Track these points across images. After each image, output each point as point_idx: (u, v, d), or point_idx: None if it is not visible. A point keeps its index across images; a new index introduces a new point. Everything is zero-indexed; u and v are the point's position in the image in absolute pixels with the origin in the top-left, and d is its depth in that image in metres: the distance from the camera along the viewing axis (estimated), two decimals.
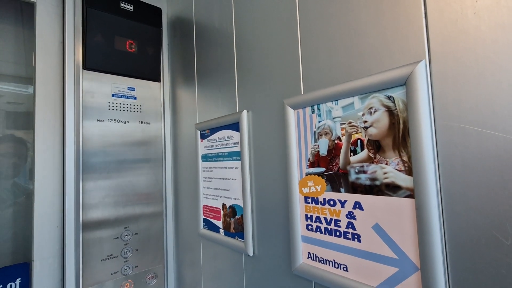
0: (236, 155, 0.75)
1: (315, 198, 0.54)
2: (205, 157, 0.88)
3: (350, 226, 0.49)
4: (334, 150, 0.51)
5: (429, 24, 0.40)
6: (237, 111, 0.75)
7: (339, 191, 0.50)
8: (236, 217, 0.75)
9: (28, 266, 0.83)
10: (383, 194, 0.44)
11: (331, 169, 0.51)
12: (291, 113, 0.59)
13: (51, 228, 0.86)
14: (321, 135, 0.53)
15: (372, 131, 0.45)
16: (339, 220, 0.50)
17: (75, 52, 0.89)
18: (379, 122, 0.44)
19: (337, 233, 0.51)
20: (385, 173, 0.44)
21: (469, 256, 0.36)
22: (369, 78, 0.45)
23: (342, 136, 0.50)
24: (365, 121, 0.46)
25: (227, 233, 0.78)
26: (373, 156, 0.45)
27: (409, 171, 0.41)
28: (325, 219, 0.53)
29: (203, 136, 0.89)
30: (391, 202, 0.43)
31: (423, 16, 0.40)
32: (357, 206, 0.47)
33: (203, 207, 0.89)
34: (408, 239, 0.41)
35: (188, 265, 0.99)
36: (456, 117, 0.37)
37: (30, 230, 0.84)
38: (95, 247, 0.86)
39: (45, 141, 0.87)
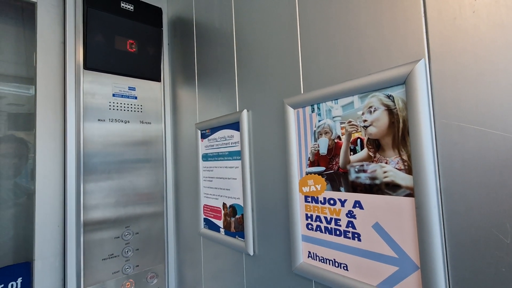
0: (237, 155, 0.75)
1: (315, 197, 0.54)
2: (206, 157, 0.88)
3: (350, 225, 0.49)
4: (334, 149, 0.51)
5: (428, 23, 0.40)
6: (237, 110, 0.75)
7: (339, 190, 0.50)
8: (237, 216, 0.75)
9: (30, 266, 0.83)
10: (383, 193, 0.44)
11: (331, 168, 0.52)
12: (291, 113, 0.59)
13: (52, 228, 0.87)
14: (321, 134, 0.53)
15: (372, 130, 0.45)
16: (339, 219, 0.50)
17: (75, 52, 0.89)
18: (379, 121, 0.44)
19: (337, 232, 0.51)
20: (385, 172, 0.44)
21: (469, 255, 0.36)
22: (369, 77, 0.45)
23: (342, 135, 0.50)
24: (365, 120, 0.46)
25: (228, 232, 0.78)
26: (373, 155, 0.45)
27: (408, 170, 0.41)
28: (325, 218, 0.53)
29: (203, 136, 0.89)
30: (391, 201, 0.43)
31: (422, 15, 0.40)
32: (357, 205, 0.48)
33: (204, 207, 0.89)
34: (408, 238, 0.41)
35: (189, 264, 0.99)
36: (455, 116, 0.37)
37: (31, 229, 0.84)
38: (96, 246, 0.86)
39: (46, 140, 0.87)
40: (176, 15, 1.08)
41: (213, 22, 0.86)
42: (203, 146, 0.89)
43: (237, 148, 0.74)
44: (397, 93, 0.42)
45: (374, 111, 0.45)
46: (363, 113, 0.47)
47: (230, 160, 0.77)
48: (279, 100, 0.63)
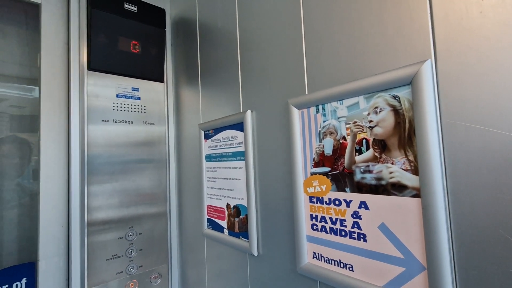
0: (240, 155, 0.75)
1: (320, 197, 0.54)
2: (209, 157, 0.88)
3: (355, 226, 0.49)
4: (339, 149, 0.51)
5: (435, 23, 0.40)
6: (241, 111, 0.75)
7: (344, 191, 0.50)
8: (241, 217, 0.75)
9: (34, 266, 0.84)
10: (389, 193, 0.44)
11: (336, 168, 0.52)
12: (295, 113, 0.59)
13: (56, 228, 0.87)
14: (326, 134, 0.53)
15: (377, 130, 0.45)
16: (345, 220, 0.50)
17: (80, 53, 0.89)
18: (385, 121, 0.44)
19: (343, 233, 0.51)
20: (391, 173, 0.44)
21: (476, 255, 0.36)
22: (375, 78, 0.45)
23: (347, 135, 0.50)
24: (371, 121, 0.46)
25: (232, 233, 0.78)
26: (378, 156, 0.45)
27: (415, 171, 0.41)
28: (330, 218, 0.53)
29: (207, 136, 0.89)
30: (397, 202, 0.43)
31: (429, 15, 0.40)
32: (363, 206, 0.47)
33: (207, 207, 0.89)
34: (414, 239, 0.41)
35: (192, 265, 0.99)
36: (462, 116, 0.37)
37: (36, 230, 0.85)
38: (100, 246, 0.87)
39: (50, 141, 0.88)
40: (179, 15, 1.08)
41: (216, 22, 0.86)
42: (206, 147, 0.89)
43: (241, 149, 0.74)
44: (403, 93, 0.42)
45: (380, 111, 0.45)
46: (368, 114, 0.47)
47: (234, 160, 0.77)
48: (283, 100, 0.63)
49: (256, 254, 0.70)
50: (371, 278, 0.46)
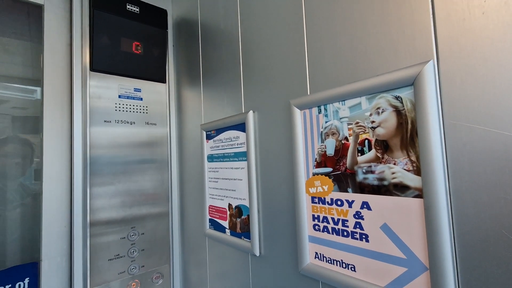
0: (242, 156, 0.75)
1: (322, 198, 0.55)
2: (211, 158, 0.88)
3: (358, 226, 0.49)
4: (341, 150, 0.51)
5: (437, 24, 0.40)
6: (243, 111, 0.75)
7: (347, 191, 0.50)
8: (242, 217, 0.75)
9: (37, 266, 0.84)
10: (391, 194, 0.44)
11: (338, 169, 0.52)
12: (297, 114, 0.59)
13: (59, 228, 0.87)
14: (328, 135, 0.54)
15: (379, 131, 0.45)
16: (347, 220, 0.50)
17: (82, 54, 0.90)
18: (387, 122, 0.44)
19: (345, 233, 0.51)
20: (393, 173, 0.44)
21: (479, 256, 0.36)
22: (377, 78, 0.45)
23: (349, 136, 0.50)
24: (373, 121, 0.46)
25: (233, 233, 0.78)
26: (381, 156, 0.45)
27: (417, 171, 0.41)
28: (333, 219, 0.53)
29: (208, 137, 0.90)
30: (400, 202, 0.43)
31: (431, 16, 0.40)
32: (365, 206, 0.48)
33: (209, 207, 0.89)
34: (416, 239, 0.41)
35: (194, 265, 0.99)
36: (464, 117, 0.37)
37: (39, 230, 0.85)
38: (102, 246, 0.87)
39: (53, 141, 0.88)
40: (181, 16, 1.08)
41: (218, 23, 0.86)
42: (208, 147, 0.90)
43: (243, 149, 0.75)
44: (406, 94, 0.42)
45: (382, 112, 0.45)
46: (370, 114, 0.47)
47: (235, 161, 0.78)
48: (285, 101, 0.63)
49: (258, 255, 0.70)
50: (373, 278, 0.46)
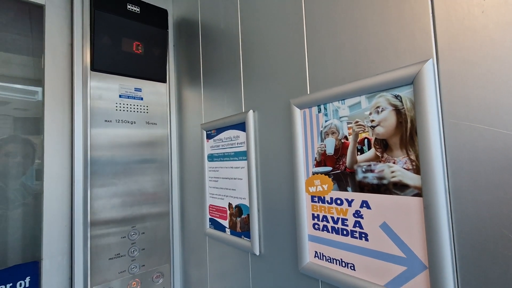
0: (242, 155, 0.75)
1: (322, 197, 0.55)
2: (211, 157, 0.88)
3: (357, 225, 0.49)
4: (341, 149, 0.51)
5: (437, 23, 0.40)
6: (243, 111, 0.75)
7: (346, 190, 0.50)
8: (242, 216, 0.75)
9: (38, 265, 0.84)
10: (390, 193, 0.44)
11: (338, 168, 0.52)
12: (297, 113, 0.59)
13: (59, 227, 0.88)
14: (327, 134, 0.54)
15: (379, 130, 0.46)
16: (346, 219, 0.50)
17: (83, 54, 0.90)
18: (387, 121, 0.45)
19: (344, 232, 0.51)
20: (392, 172, 0.44)
21: (478, 254, 0.36)
22: (376, 78, 0.45)
23: (349, 135, 0.50)
24: (372, 120, 0.46)
25: (233, 232, 0.78)
26: (380, 155, 0.45)
27: (416, 170, 0.41)
28: (332, 218, 0.53)
29: (209, 136, 0.90)
30: (399, 201, 0.43)
31: (431, 15, 0.40)
32: (365, 205, 0.48)
33: (209, 207, 0.89)
34: (416, 238, 0.41)
35: (194, 264, 0.99)
36: (464, 116, 0.37)
37: (39, 229, 0.85)
38: (103, 246, 0.87)
39: (54, 140, 0.88)
40: (182, 16, 1.09)
41: (218, 23, 0.87)
42: (208, 147, 0.90)
43: (243, 149, 0.75)
44: (405, 93, 0.42)
45: (381, 111, 0.45)
46: (370, 113, 0.47)
47: (236, 160, 0.78)
48: (285, 100, 0.63)
49: (258, 254, 0.70)
50: (373, 277, 0.46)
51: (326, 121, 0.54)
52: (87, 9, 0.90)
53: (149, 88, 1.02)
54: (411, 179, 0.42)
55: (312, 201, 0.56)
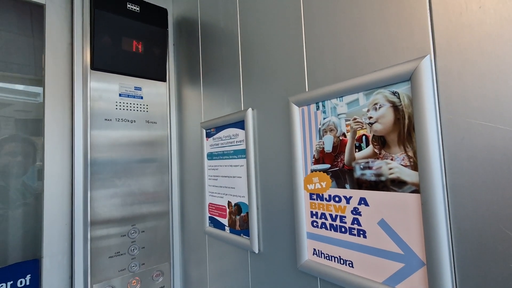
0: (242, 153, 0.75)
1: (320, 194, 0.55)
2: (211, 156, 0.88)
3: (355, 222, 0.49)
4: (339, 146, 0.51)
5: (434, 19, 0.40)
6: (242, 109, 0.75)
7: (344, 187, 0.50)
8: (242, 214, 0.75)
9: (38, 263, 0.85)
10: (388, 189, 0.44)
11: (336, 165, 0.52)
12: (296, 110, 0.59)
13: (60, 226, 0.88)
14: (326, 131, 0.54)
15: (377, 127, 0.45)
16: (344, 216, 0.50)
17: (83, 53, 0.91)
18: (384, 117, 0.44)
19: (343, 229, 0.51)
20: (390, 169, 0.44)
21: (476, 251, 0.36)
22: (374, 74, 0.45)
23: (347, 132, 0.50)
24: (370, 117, 0.46)
25: (233, 230, 0.78)
26: (378, 152, 0.45)
27: (414, 166, 0.41)
28: (330, 215, 0.53)
29: (208, 135, 0.90)
30: (397, 198, 0.43)
31: (428, 11, 0.40)
32: (363, 202, 0.48)
33: (209, 205, 0.90)
34: (414, 235, 0.41)
35: (194, 262, 0.99)
36: (462, 112, 0.37)
37: (40, 227, 0.86)
38: (103, 244, 0.87)
39: (54, 140, 0.89)
40: (181, 15, 1.09)
41: (218, 22, 0.87)
42: (208, 145, 0.90)
43: (242, 147, 0.75)
44: (403, 89, 0.42)
45: (379, 108, 0.45)
46: (368, 110, 0.47)
47: (235, 158, 0.78)
48: (284, 98, 0.63)
49: (257, 252, 0.70)
50: (371, 274, 0.46)
51: (324, 118, 0.54)
52: (87, 9, 0.90)
53: (149, 87, 1.02)
54: (408, 175, 0.42)
55: (311, 198, 0.56)
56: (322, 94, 0.53)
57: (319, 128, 0.55)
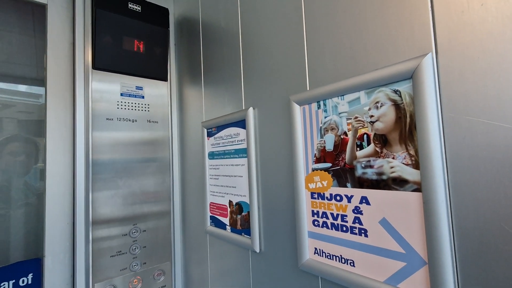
0: (243, 152, 0.75)
1: (322, 193, 0.54)
2: (212, 155, 0.88)
3: (356, 221, 0.49)
4: (340, 145, 0.51)
5: (436, 16, 0.40)
6: (243, 108, 0.75)
7: (346, 186, 0.50)
8: (243, 214, 0.75)
9: (40, 262, 0.85)
10: (390, 188, 0.44)
11: (338, 164, 0.52)
12: (297, 109, 0.59)
13: (62, 225, 0.88)
14: (327, 130, 0.53)
15: (378, 125, 0.45)
16: (346, 215, 0.50)
17: (84, 53, 0.91)
18: (386, 116, 0.44)
19: (344, 228, 0.51)
20: (392, 167, 0.44)
21: (478, 249, 0.36)
22: (375, 73, 0.45)
23: (348, 131, 0.50)
24: (372, 116, 0.46)
25: (234, 230, 0.78)
26: (379, 151, 0.45)
27: (416, 165, 0.41)
28: (332, 214, 0.53)
29: (209, 134, 0.90)
30: (398, 197, 0.43)
31: (429, 9, 0.40)
32: (364, 201, 0.47)
33: (210, 205, 0.90)
34: (415, 233, 0.41)
35: (195, 262, 1.00)
36: (463, 110, 0.37)
37: (42, 227, 0.86)
38: (104, 243, 0.88)
39: (56, 140, 0.89)
40: (183, 15, 1.09)
41: (219, 21, 0.87)
42: (209, 144, 0.90)
43: (243, 146, 0.75)
44: (404, 87, 0.42)
45: (380, 106, 0.45)
46: (369, 109, 0.47)
47: (236, 157, 0.78)
48: (285, 97, 0.63)
49: (258, 251, 0.70)
50: (372, 273, 0.46)
51: (325, 117, 0.54)
52: (88, 8, 0.91)
53: (150, 87, 1.02)
54: (410, 174, 0.41)
55: (312, 197, 0.56)
56: (323, 92, 0.53)
57: (320, 127, 0.55)
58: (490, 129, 0.35)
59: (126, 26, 0.94)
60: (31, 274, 0.83)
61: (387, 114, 0.44)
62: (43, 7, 0.92)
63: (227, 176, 0.81)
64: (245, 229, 0.74)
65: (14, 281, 0.81)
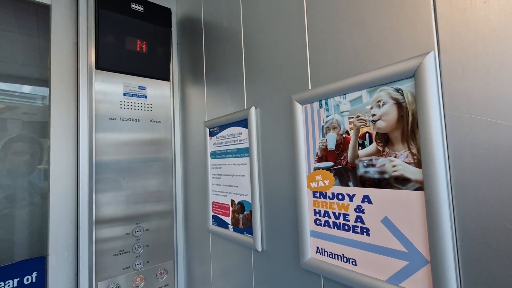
0: (245, 152, 0.75)
1: (324, 192, 0.54)
2: (214, 154, 0.89)
3: (358, 220, 0.48)
4: (342, 144, 0.51)
5: (438, 14, 0.39)
6: (245, 108, 0.76)
7: (348, 185, 0.50)
8: (245, 213, 0.75)
9: (44, 260, 0.86)
10: (392, 187, 0.44)
11: (340, 163, 0.52)
12: (299, 109, 0.59)
13: (65, 224, 0.89)
14: (329, 129, 0.53)
15: (380, 124, 0.45)
16: (348, 214, 0.50)
17: (88, 53, 0.91)
18: (388, 115, 0.44)
19: (346, 227, 0.51)
20: (394, 166, 0.44)
21: (480, 248, 0.36)
22: (377, 71, 0.45)
23: (350, 130, 0.50)
24: (374, 114, 0.46)
25: (236, 229, 0.78)
26: (381, 149, 0.45)
27: (418, 164, 0.41)
28: (334, 213, 0.53)
29: (212, 134, 0.90)
30: (400, 195, 0.43)
31: (432, 7, 0.40)
32: (366, 200, 0.47)
33: (212, 204, 0.90)
34: (417, 232, 0.41)
35: (198, 261, 1.00)
36: (466, 108, 0.37)
37: (46, 225, 0.87)
38: (107, 242, 0.88)
39: (60, 140, 0.90)
40: (185, 15, 1.09)
41: (221, 21, 0.87)
42: (211, 144, 0.90)
43: (245, 145, 0.75)
44: (406, 86, 0.42)
45: (382, 105, 0.45)
46: (371, 108, 0.47)
47: (238, 157, 0.78)
48: (287, 96, 0.63)
49: (260, 250, 0.70)
50: (374, 272, 0.46)
51: (327, 116, 0.54)
52: (91, 8, 0.91)
53: (153, 87, 1.03)
54: (412, 173, 0.41)
55: (314, 196, 0.56)
56: (325, 91, 0.53)
57: (322, 126, 0.55)
58: (492, 128, 0.35)
59: (129, 26, 0.95)
60: (36, 272, 0.84)
61: (389, 112, 0.44)
62: (47, 8, 0.93)
63: (229, 175, 0.82)
64: (247, 228, 0.74)
65: (18, 279, 0.82)
